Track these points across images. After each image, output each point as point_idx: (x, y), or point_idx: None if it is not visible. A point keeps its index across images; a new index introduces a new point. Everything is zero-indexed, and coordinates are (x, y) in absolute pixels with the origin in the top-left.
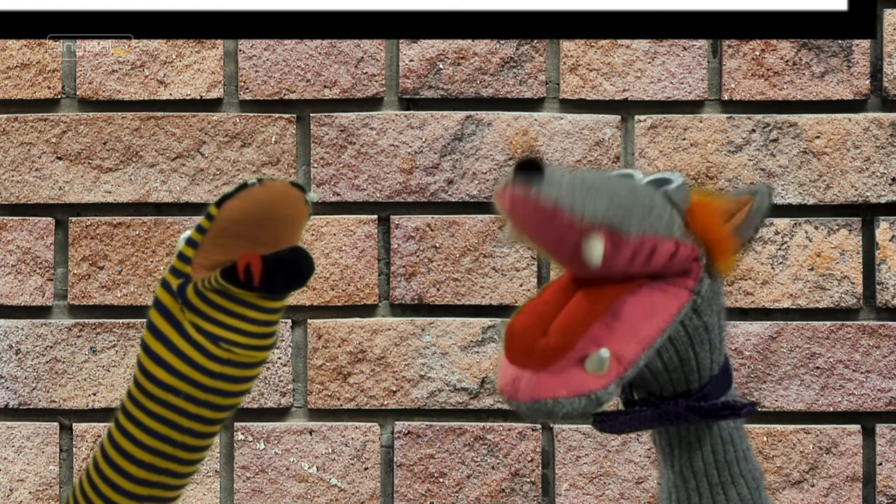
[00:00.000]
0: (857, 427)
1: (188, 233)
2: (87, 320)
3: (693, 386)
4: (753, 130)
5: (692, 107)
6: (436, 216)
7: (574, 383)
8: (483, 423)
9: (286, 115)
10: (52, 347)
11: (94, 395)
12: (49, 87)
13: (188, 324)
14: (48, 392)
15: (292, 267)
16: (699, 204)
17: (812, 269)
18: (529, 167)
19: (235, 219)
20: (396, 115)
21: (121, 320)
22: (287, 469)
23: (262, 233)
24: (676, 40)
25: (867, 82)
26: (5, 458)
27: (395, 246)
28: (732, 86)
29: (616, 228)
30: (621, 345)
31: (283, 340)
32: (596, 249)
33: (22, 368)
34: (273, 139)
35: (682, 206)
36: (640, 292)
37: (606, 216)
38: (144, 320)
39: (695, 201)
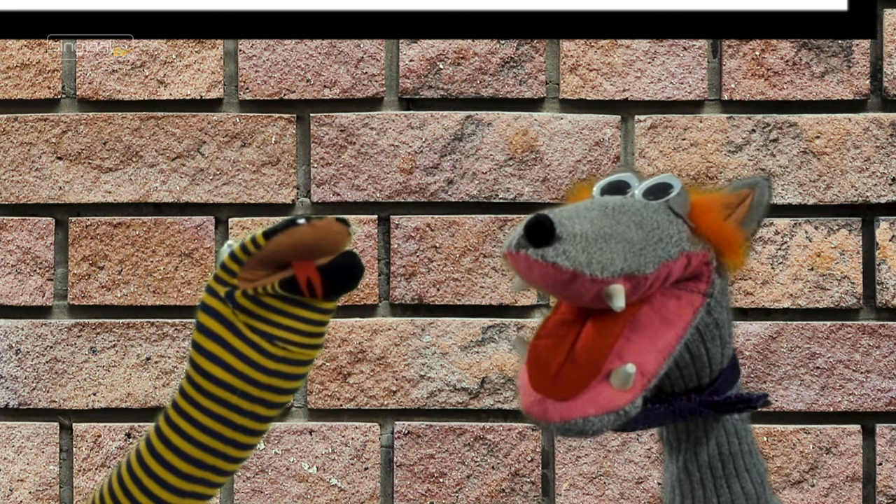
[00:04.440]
0: (857, 427)
1: (232, 247)
2: (87, 320)
3: (704, 381)
4: (753, 130)
5: (692, 107)
6: (436, 216)
7: (601, 400)
8: (483, 423)
9: (286, 115)
10: (52, 347)
11: (94, 395)
12: (49, 87)
13: (242, 325)
14: (48, 392)
15: (349, 272)
16: (700, 204)
17: (812, 269)
18: (539, 230)
19: (281, 251)
20: (396, 115)
21: (121, 320)
22: (287, 469)
23: (307, 257)
24: (676, 40)
25: (867, 82)
26: (5, 458)
27: (395, 246)
28: (732, 86)
29: (634, 274)
30: (643, 356)
31: None
32: (618, 297)
33: (22, 368)
34: (273, 139)
35: (684, 211)
36: (654, 300)
37: (624, 267)
38: (146, 321)
39: (695, 202)
